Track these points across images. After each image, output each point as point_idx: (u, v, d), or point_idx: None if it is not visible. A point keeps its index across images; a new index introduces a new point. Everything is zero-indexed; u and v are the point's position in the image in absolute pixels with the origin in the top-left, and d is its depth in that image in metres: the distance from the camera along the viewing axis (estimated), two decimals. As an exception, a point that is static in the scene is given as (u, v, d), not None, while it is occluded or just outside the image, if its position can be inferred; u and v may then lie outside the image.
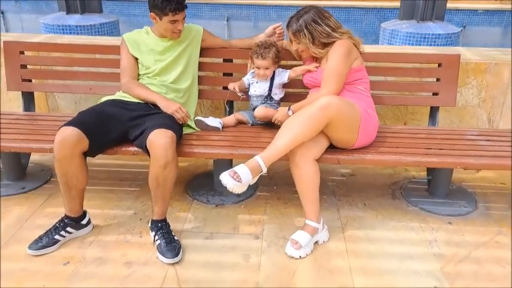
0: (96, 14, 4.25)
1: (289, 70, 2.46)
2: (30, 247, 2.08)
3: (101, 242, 2.19)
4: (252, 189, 2.64)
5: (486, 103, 3.01)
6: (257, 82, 2.47)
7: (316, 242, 2.17)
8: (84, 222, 2.22)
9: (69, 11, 4.16)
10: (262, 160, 1.96)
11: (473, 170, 2.92)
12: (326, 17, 2.20)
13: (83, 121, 2.06)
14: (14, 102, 3.12)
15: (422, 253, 2.13)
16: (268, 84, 2.45)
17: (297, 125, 1.97)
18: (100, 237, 2.22)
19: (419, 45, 4.09)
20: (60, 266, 2.02)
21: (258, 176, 1.99)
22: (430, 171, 2.68)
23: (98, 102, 2.38)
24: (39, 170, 2.85)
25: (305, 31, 2.18)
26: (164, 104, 2.26)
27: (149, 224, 2.19)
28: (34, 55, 2.86)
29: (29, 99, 2.82)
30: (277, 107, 2.47)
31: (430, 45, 4.11)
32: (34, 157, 2.93)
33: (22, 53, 2.75)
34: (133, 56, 2.43)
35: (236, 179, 1.90)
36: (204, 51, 2.61)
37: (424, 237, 2.25)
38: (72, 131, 1.98)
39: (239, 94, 2.49)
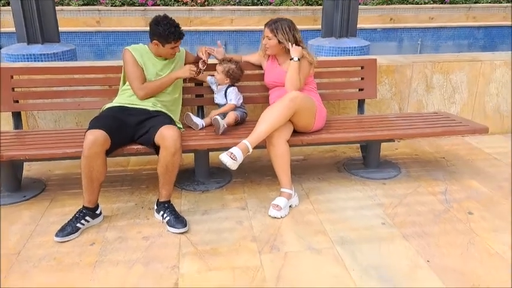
0: (55, 43, 4.58)
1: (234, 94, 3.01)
2: (57, 235, 2.44)
3: (115, 226, 2.60)
4: (229, 177, 3.20)
5: (396, 96, 3.90)
6: (216, 92, 3.08)
7: (290, 206, 2.78)
8: (98, 212, 2.62)
9: (29, 41, 4.45)
10: (249, 143, 2.55)
11: (394, 148, 3.75)
12: (297, 30, 2.90)
13: (105, 125, 2.49)
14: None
15: (368, 204, 2.85)
16: (223, 95, 3.05)
17: (273, 114, 2.59)
18: (113, 223, 2.63)
19: (341, 55, 4.99)
20: (88, 246, 2.41)
21: (245, 156, 2.57)
22: (364, 150, 3.44)
23: (102, 110, 2.80)
24: (31, 182, 3.15)
25: (281, 28, 2.84)
26: (180, 71, 2.82)
27: (155, 207, 2.67)
28: (23, 79, 3.17)
29: (18, 119, 3.14)
30: (243, 110, 3.08)
31: (349, 55, 5.03)
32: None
33: (12, 77, 3.08)
34: (139, 65, 2.80)
35: (233, 158, 2.48)
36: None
37: (367, 194, 2.98)
38: (101, 133, 2.42)
39: (200, 65, 2.94)
